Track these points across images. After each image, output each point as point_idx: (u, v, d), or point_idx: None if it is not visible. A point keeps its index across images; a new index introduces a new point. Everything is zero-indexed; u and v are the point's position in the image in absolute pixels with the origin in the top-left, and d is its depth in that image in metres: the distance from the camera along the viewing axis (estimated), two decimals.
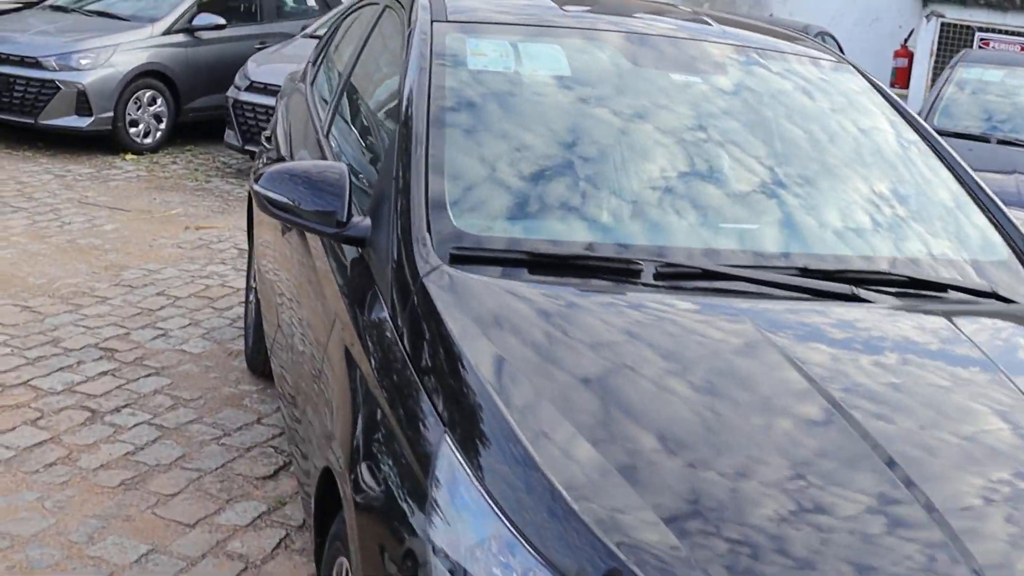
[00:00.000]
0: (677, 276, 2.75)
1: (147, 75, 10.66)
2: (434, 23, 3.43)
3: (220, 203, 9.09)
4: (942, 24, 12.46)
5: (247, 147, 9.92)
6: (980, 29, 12.38)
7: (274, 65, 10.11)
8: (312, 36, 10.77)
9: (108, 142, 10.55)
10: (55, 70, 10.16)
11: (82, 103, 10.19)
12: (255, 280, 5.38)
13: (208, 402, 5.02)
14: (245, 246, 7.66)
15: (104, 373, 5.23)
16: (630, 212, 2.95)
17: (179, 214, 8.61)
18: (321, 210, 2.87)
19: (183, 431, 4.70)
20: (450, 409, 2.26)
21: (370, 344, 2.62)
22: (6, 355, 5.35)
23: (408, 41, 3.41)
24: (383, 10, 4.08)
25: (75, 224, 7.98)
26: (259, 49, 11.23)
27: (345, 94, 4.04)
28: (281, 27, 12.11)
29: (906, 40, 12.79)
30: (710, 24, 3.82)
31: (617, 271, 2.73)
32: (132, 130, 10.58)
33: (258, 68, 10.07)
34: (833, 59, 3.83)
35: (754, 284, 2.77)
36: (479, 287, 2.54)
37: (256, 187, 2.98)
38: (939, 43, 12.46)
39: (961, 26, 12.45)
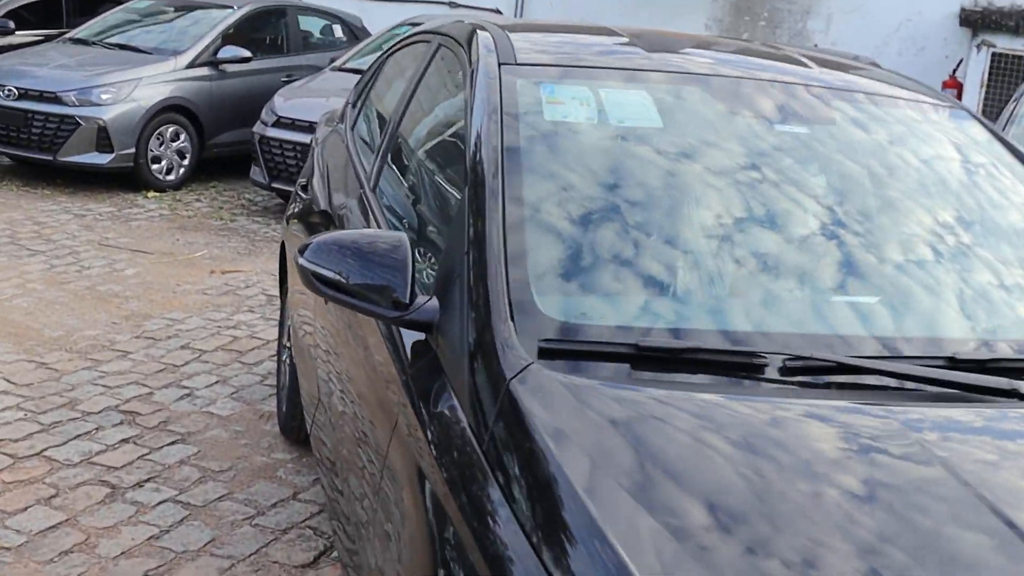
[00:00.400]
0: (807, 371, 2.31)
1: (170, 110, 10.29)
2: (502, 67, 3.01)
3: (246, 244, 8.69)
4: (993, 54, 12.02)
5: (274, 184, 9.54)
6: None
7: (302, 100, 9.75)
8: (341, 69, 10.42)
9: (129, 179, 10.18)
10: (75, 105, 9.81)
11: (103, 139, 9.83)
12: (288, 338, 4.96)
13: (239, 474, 4.59)
14: (274, 292, 7.28)
15: (125, 440, 4.81)
16: (744, 290, 2.52)
17: (204, 256, 8.21)
18: (378, 289, 2.45)
19: (212, 510, 4.27)
20: (551, 548, 1.83)
21: (443, 456, 2.18)
22: (20, 420, 4.93)
23: (471, 87, 2.99)
24: (436, 49, 3.66)
25: (95, 269, 7.59)
26: (286, 82, 10.87)
27: (394, 144, 3.62)
28: (308, 59, 11.75)
29: (955, 70, 12.34)
30: (809, 66, 3.38)
31: (736, 366, 2.29)
32: (154, 167, 10.21)
33: (285, 103, 9.68)
34: (948, 104, 3.39)
35: (897, 379, 2.33)
36: (580, 393, 2.10)
37: (301, 261, 2.55)
38: (990, 73, 12.02)
39: (1013, 56, 12.00)
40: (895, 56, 12.74)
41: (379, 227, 3.22)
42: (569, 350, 2.25)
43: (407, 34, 4.32)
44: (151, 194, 10.10)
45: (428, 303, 2.47)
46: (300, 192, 4.55)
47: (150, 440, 4.84)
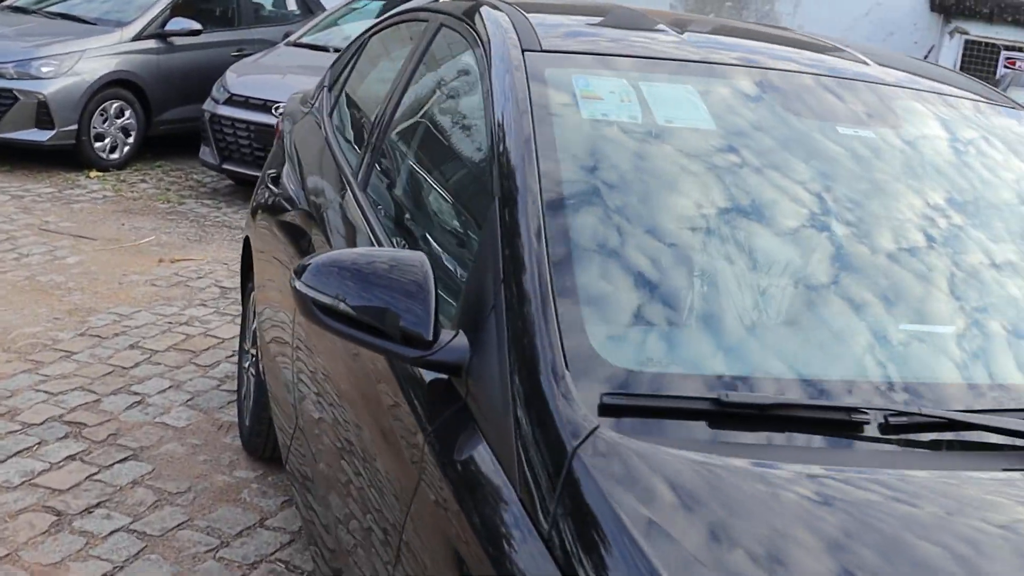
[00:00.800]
0: (910, 428, 1.92)
1: (115, 84, 9.73)
2: (526, 54, 2.58)
3: (196, 229, 8.19)
4: (966, 41, 11.73)
5: (225, 166, 9.04)
6: (1006, 47, 11.68)
7: (256, 76, 9.24)
8: (296, 44, 9.93)
9: (71, 158, 9.61)
10: (13, 78, 9.22)
11: (43, 115, 9.25)
12: (251, 344, 4.51)
13: (199, 496, 4.14)
14: (228, 283, 6.81)
15: (71, 457, 4.34)
16: (834, 330, 2.11)
17: (151, 243, 7.70)
18: (394, 322, 2.02)
19: (171, 540, 3.82)
20: None
21: (490, 542, 1.76)
22: None
23: (489, 77, 2.57)
24: (437, 30, 3.22)
25: (34, 257, 7.06)
26: (236, 57, 10.34)
27: (387, 138, 3.16)
28: (259, 33, 11.21)
29: (926, 57, 12.05)
30: (866, 62, 2.99)
31: (832, 423, 1.89)
32: (98, 145, 9.65)
33: (238, 79, 9.17)
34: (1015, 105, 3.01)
35: (1011, 436, 1.95)
36: (666, 468, 1.69)
37: (298, 285, 2.12)
38: (963, 61, 11.72)
39: (986, 44, 11.72)
40: (862, 41, 12.42)
41: (374, 236, 2.78)
42: (636, 406, 1.84)
43: (398, 10, 3.86)
44: (94, 174, 9.55)
45: (455, 340, 2.04)
46: (270, 184, 4.09)
47: (99, 456, 4.37)
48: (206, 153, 9.20)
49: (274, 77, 9.19)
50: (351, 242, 2.92)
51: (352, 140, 3.58)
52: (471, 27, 2.90)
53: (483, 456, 1.89)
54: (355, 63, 4.08)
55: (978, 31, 11.76)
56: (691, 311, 2.05)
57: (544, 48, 2.63)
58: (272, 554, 3.80)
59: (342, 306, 2.06)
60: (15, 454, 4.31)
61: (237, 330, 5.96)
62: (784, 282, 2.16)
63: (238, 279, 6.91)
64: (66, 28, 9.98)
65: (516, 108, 2.38)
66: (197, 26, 10.26)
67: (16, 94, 9.17)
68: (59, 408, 4.78)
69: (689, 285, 2.11)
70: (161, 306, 6.33)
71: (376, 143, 3.19)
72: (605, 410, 1.81)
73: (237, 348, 5.64)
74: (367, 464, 2.36)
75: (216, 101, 9.09)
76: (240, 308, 6.30)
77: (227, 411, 4.93)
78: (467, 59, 2.85)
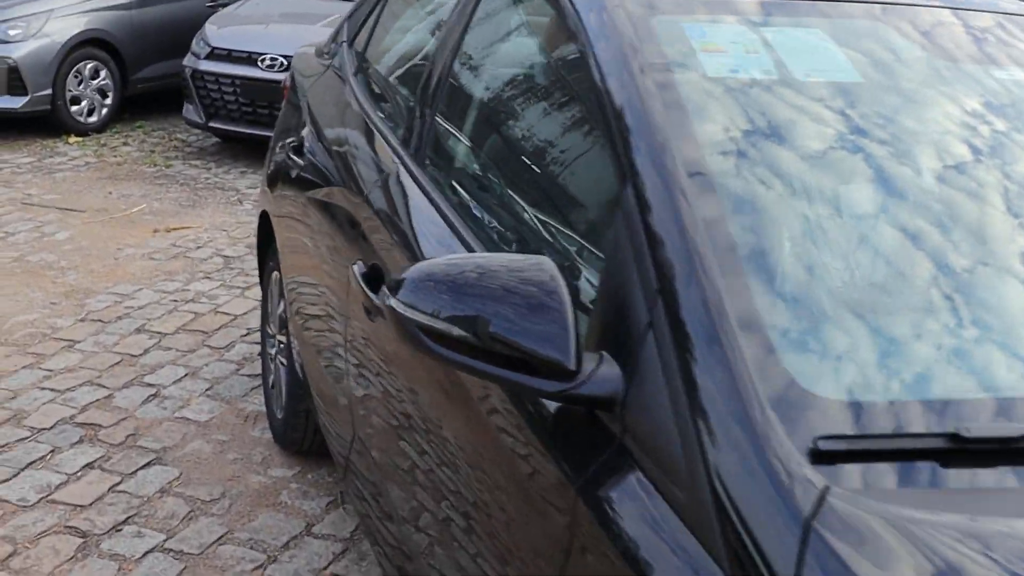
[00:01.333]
0: None
1: (88, 44, 9.22)
2: None
3: (188, 193, 7.75)
4: None
5: (211, 123, 8.59)
6: None
7: (238, 28, 8.77)
8: None
9: (48, 124, 9.13)
10: None
11: (14, 81, 8.77)
12: (277, 328, 4.12)
13: (235, 502, 3.76)
14: (228, 251, 6.40)
15: (89, 466, 3.95)
16: None
17: (143, 212, 7.26)
18: (528, 349, 1.63)
19: (212, 559, 3.44)
20: None
21: None
22: None
23: (582, 31, 2.16)
24: None
25: (21, 235, 6.62)
26: (211, 7, 9.82)
27: (444, 104, 2.74)
28: None
29: None
30: None
31: None
32: (74, 108, 9.16)
33: (219, 32, 8.68)
34: None
35: None
36: (929, 540, 1.32)
37: (394, 303, 1.73)
38: None
39: None
40: None
41: (447, 224, 2.38)
42: (858, 451, 1.47)
43: None
44: (73, 139, 9.07)
45: (603, 368, 1.66)
46: (292, 154, 3.66)
47: (120, 463, 3.98)
48: (190, 111, 8.73)
49: (257, 28, 8.70)
50: (418, 230, 2.51)
51: (393, 106, 3.15)
52: None
53: (662, 514, 1.51)
54: (380, 14, 3.63)
55: None
56: (901, 322, 1.66)
57: None
58: (326, 568, 3.43)
59: (456, 331, 1.67)
60: (27, 466, 3.92)
61: (247, 304, 5.57)
62: (981, 258, 1.77)
63: (239, 247, 6.52)
64: None
65: (630, 70, 1.97)
66: None
67: None
68: (69, 408, 4.38)
69: (904, 288, 1.72)
70: (163, 282, 5.91)
71: (428, 111, 2.77)
72: (820, 457, 1.44)
73: (251, 327, 5.26)
74: (481, 511, 1.97)
75: (197, 56, 8.60)
76: (246, 279, 5.93)
77: (251, 399, 4.55)
78: (545, 6, 2.43)
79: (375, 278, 2.60)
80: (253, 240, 6.67)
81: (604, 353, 1.70)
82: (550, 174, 2.25)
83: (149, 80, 9.81)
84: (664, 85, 1.96)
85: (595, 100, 2.03)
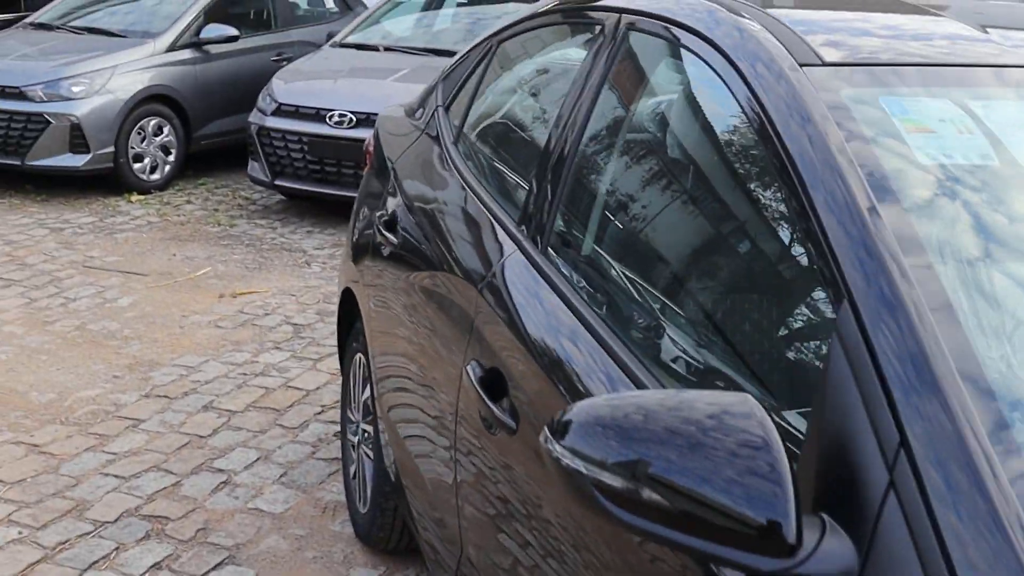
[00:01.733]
0: None
1: (151, 100, 9.00)
2: (805, 70, 1.83)
3: (253, 255, 7.47)
4: None
5: (277, 182, 8.32)
6: None
7: (305, 83, 8.53)
8: (343, 45, 9.18)
9: (109, 182, 8.90)
10: (43, 101, 8.51)
11: (77, 138, 8.54)
12: (361, 415, 3.78)
13: None
14: (298, 319, 6.11)
15: (157, 566, 3.62)
16: None
17: (208, 275, 6.98)
18: (735, 516, 1.29)
19: None
20: None
21: None
22: (12, 543, 3.73)
23: (759, 108, 1.81)
24: (623, 36, 2.44)
25: (82, 300, 6.36)
26: (276, 63, 9.61)
27: (570, 182, 2.40)
28: (299, 34, 10.48)
29: None
30: None
31: None
32: (136, 166, 8.94)
33: (286, 87, 8.43)
34: None
35: None
36: None
37: (559, 453, 1.39)
38: None
39: None
40: None
41: (585, 326, 2.03)
42: None
43: (544, 8, 3.06)
44: (135, 197, 8.84)
45: (829, 541, 1.30)
46: (383, 230, 3.33)
47: (190, 562, 3.65)
48: (255, 169, 8.47)
49: (325, 83, 8.45)
50: (547, 334, 2.16)
51: (505, 182, 2.82)
52: (686, 30, 2.14)
53: None
54: (482, 77, 3.30)
55: None
56: None
57: (827, 61, 1.87)
58: None
59: (645, 492, 1.33)
60: (90, 567, 3.60)
61: (320, 379, 5.26)
62: None
63: (309, 313, 6.24)
64: (94, 43, 9.25)
65: (833, 161, 1.62)
66: (234, 32, 9.52)
67: (47, 118, 8.46)
68: (134, 497, 4.06)
69: None
70: (230, 352, 5.61)
71: (552, 189, 2.43)
72: None
73: (325, 403, 4.94)
74: None
75: (263, 112, 8.36)
76: (318, 350, 5.62)
77: (329, 487, 4.21)
78: (704, 74, 2.09)
79: (494, 382, 2.27)
80: (323, 306, 6.41)
81: (826, 518, 1.35)
82: (725, 278, 1.90)
83: (213, 136, 9.58)
84: (878, 176, 1.61)
85: (788, 194, 1.68)
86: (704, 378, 1.77)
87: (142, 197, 8.87)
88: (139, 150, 8.94)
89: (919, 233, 1.53)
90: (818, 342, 1.54)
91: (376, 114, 7.73)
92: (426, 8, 10.03)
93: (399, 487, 3.20)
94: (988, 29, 2.10)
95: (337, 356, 4.40)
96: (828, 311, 1.51)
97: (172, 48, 9.23)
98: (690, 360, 1.84)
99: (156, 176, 9.10)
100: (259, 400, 5.03)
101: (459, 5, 10.25)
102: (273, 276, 7.01)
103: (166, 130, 9.15)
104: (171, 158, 9.22)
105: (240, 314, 6.24)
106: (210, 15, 9.58)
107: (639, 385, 1.83)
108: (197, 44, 9.41)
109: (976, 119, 1.80)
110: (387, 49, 8.98)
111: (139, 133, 8.93)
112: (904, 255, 1.47)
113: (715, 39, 2.04)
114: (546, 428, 1.45)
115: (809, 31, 2.00)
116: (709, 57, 2.04)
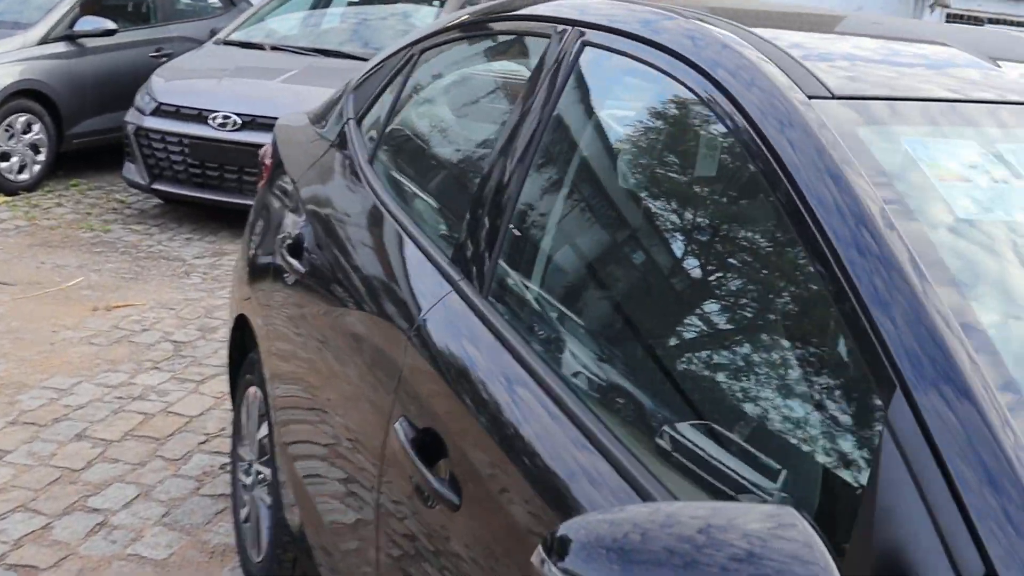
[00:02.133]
0: None
1: (20, 95, 8.46)
2: (813, 102, 1.57)
3: (129, 263, 7.03)
4: (948, 15, 10.92)
5: (155, 185, 7.87)
6: (990, 20, 10.91)
7: (187, 82, 8.10)
8: (227, 43, 8.75)
9: None
10: None
11: None
12: (256, 455, 3.45)
13: None
14: (178, 335, 5.71)
15: None
16: None
17: (80, 285, 6.53)
18: None
19: None
20: None
21: None
22: None
23: (760, 140, 1.55)
24: (577, 51, 2.15)
25: None
26: (155, 59, 9.15)
27: (516, 217, 2.11)
28: (180, 30, 10.01)
29: None
30: None
31: None
32: (3, 165, 8.39)
33: (167, 86, 7.99)
34: None
35: None
36: None
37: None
38: None
39: (968, 16, 10.93)
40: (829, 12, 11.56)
41: (546, 391, 1.75)
42: None
43: (474, 14, 2.74)
44: (2, 199, 8.30)
45: None
46: (287, 255, 3.01)
47: None
48: (132, 171, 8.01)
49: (208, 82, 8.02)
50: (498, 397, 1.87)
51: (435, 212, 2.52)
52: (679, 56, 1.85)
53: None
54: (401, 90, 2.97)
55: (960, 3, 10.97)
56: None
57: (837, 94, 1.62)
58: None
59: None
60: None
61: (203, 403, 4.88)
62: None
63: (190, 329, 5.86)
64: None
65: (863, 218, 1.36)
66: (111, 25, 9.02)
67: None
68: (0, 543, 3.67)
69: None
70: (104, 373, 5.20)
71: (497, 227, 2.13)
72: None
73: (209, 431, 4.58)
74: None
75: (141, 112, 7.90)
76: (200, 370, 5.25)
77: (215, 527, 3.85)
78: (674, 106, 1.82)
79: (428, 445, 1.97)
80: (205, 321, 6.02)
81: None
82: (732, 347, 1.62)
83: (87, 135, 9.07)
84: (913, 238, 1.35)
85: (800, 242, 1.42)
86: (679, 446, 1.50)
87: (9, 198, 8.34)
88: (6, 148, 8.40)
89: (974, 311, 1.28)
90: (860, 436, 1.27)
91: (263, 116, 7.43)
92: (314, 6, 9.65)
93: (303, 544, 2.88)
94: (999, 62, 1.87)
95: (222, 378, 4.05)
96: (872, 402, 1.24)
97: (44, 41, 8.70)
98: (669, 428, 1.57)
99: (24, 176, 8.57)
100: (137, 428, 4.63)
101: (349, 4, 9.88)
102: (150, 287, 6.59)
103: (36, 127, 8.62)
104: (41, 157, 8.69)
105: (115, 329, 5.82)
106: (85, 7, 9.06)
107: (606, 456, 1.56)
108: (71, 37, 8.89)
109: (1005, 162, 1.56)
110: (274, 48, 8.58)
111: (7, 130, 8.40)
112: (959, 340, 1.22)
113: (692, 55, 1.77)
114: (540, 548, 1.17)
115: (803, 54, 1.74)
116: (693, 82, 1.76)
